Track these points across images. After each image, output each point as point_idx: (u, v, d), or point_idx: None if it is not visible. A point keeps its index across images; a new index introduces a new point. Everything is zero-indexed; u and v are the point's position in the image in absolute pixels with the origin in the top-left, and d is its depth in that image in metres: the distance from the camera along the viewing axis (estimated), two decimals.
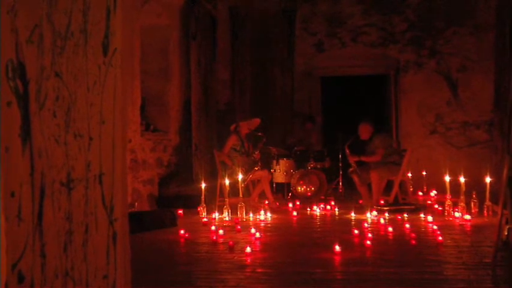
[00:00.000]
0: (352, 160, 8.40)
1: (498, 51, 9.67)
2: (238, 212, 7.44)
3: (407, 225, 6.44)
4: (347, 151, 8.43)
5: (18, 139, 1.68)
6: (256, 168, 8.71)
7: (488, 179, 7.07)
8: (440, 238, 5.55)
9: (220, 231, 6.21)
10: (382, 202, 8.08)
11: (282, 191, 9.77)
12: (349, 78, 11.71)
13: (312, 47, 11.25)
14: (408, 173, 8.92)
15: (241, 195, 7.71)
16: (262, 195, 8.78)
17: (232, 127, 8.84)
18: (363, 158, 8.32)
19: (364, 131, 8.37)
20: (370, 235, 5.90)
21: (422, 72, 10.88)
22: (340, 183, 9.73)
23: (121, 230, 2.15)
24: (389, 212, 7.51)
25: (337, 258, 4.96)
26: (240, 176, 7.96)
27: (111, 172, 2.12)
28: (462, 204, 7.17)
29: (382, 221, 6.86)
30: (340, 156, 9.54)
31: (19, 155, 1.67)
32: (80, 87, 1.98)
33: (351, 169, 8.50)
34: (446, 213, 7.33)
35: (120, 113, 2.15)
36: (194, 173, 9.08)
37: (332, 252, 5.07)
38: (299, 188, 9.33)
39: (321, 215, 7.88)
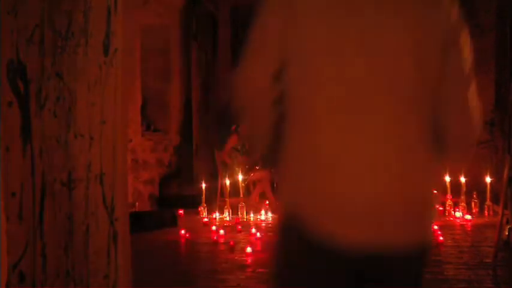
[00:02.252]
0: None
1: (498, 51, 9.66)
2: (239, 212, 7.44)
3: None
4: None
5: (19, 139, 1.68)
6: (257, 168, 8.70)
7: (488, 179, 7.07)
8: (441, 238, 5.55)
9: (221, 231, 6.21)
10: None
11: None
12: None
13: None
14: None
15: (241, 195, 7.70)
16: (263, 195, 8.77)
17: (233, 127, 8.84)
18: None
19: None
20: None
21: None
22: None
23: (122, 230, 2.16)
24: None
25: None
26: (241, 176, 7.96)
27: (111, 172, 2.12)
28: (463, 204, 7.17)
29: None
30: None
31: (20, 155, 1.67)
32: (81, 87, 1.98)
33: None
34: (447, 213, 7.32)
35: (120, 113, 2.15)
36: (195, 173, 9.07)
37: None
38: None
39: None
